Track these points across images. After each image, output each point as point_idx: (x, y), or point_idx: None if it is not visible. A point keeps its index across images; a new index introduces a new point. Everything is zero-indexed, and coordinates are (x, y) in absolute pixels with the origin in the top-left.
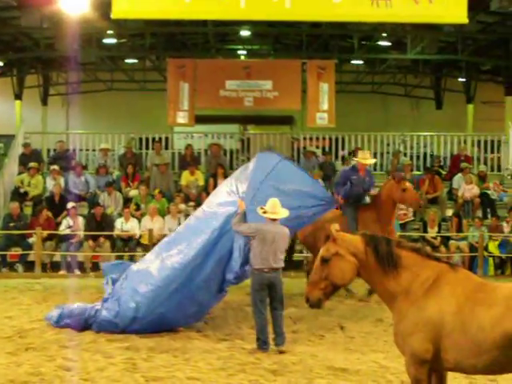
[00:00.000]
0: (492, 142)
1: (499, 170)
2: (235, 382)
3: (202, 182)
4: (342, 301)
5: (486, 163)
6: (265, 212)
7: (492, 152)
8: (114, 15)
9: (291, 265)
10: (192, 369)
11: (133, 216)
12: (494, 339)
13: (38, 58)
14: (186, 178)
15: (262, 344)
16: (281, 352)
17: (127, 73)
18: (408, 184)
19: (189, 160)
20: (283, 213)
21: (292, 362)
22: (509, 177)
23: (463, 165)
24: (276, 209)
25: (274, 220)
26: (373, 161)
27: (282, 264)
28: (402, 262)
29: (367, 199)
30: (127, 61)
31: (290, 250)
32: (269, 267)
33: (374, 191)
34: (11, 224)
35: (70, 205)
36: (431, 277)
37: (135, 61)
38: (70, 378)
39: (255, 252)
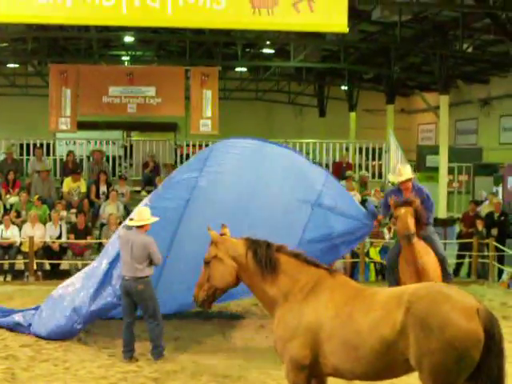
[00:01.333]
0: (373, 149)
1: (380, 176)
2: None
3: (84, 189)
4: (225, 307)
5: (367, 170)
6: (131, 219)
7: (373, 159)
8: None
9: None
10: (72, 378)
11: (13, 223)
12: (371, 344)
13: None
14: (67, 184)
15: (124, 348)
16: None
17: (8, 77)
18: (401, 211)
19: (71, 166)
20: (150, 220)
21: (174, 369)
22: (389, 184)
23: (348, 173)
24: (142, 216)
25: (140, 228)
26: (408, 176)
27: (140, 274)
28: (282, 266)
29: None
30: (9, 65)
31: None
32: (125, 276)
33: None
34: None
35: None
36: (310, 282)
37: (17, 65)
38: None
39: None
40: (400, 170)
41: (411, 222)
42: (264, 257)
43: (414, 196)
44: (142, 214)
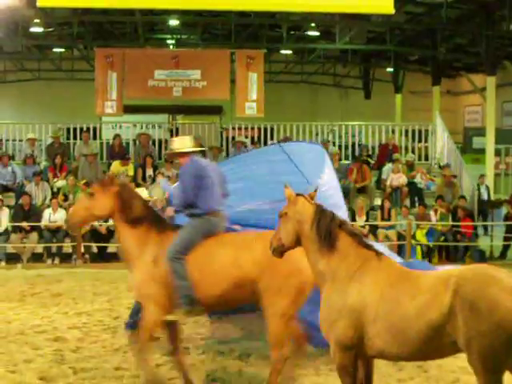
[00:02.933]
0: (419, 131)
1: (427, 159)
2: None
3: (131, 173)
4: None
5: (413, 152)
6: None
7: (419, 141)
8: (40, 4)
9: None
10: (120, 359)
11: (61, 207)
12: (418, 327)
13: None
14: (116, 167)
15: None
16: None
17: (55, 62)
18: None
19: (117, 150)
20: None
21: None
22: (436, 166)
23: (395, 156)
24: None
25: None
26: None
27: None
28: (338, 243)
29: None
30: (55, 50)
31: None
32: None
33: None
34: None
35: None
36: (356, 263)
37: (63, 50)
38: None
39: None
40: None
41: None
42: (324, 229)
43: None
44: None
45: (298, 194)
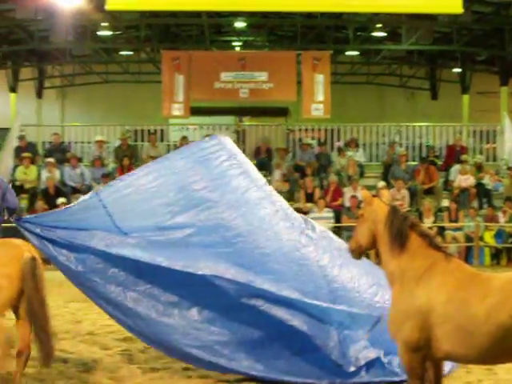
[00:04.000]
0: (487, 132)
1: (495, 160)
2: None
3: None
4: None
5: (481, 153)
6: None
7: (487, 142)
8: (108, 7)
9: None
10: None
11: None
12: (487, 330)
13: (32, 50)
14: None
15: None
16: None
17: (122, 65)
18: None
19: None
20: None
21: None
22: (504, 167)
23: (463, 157)
24: None
25: None
26: None
27: None
28: (408, 243)
29: None
30: (122, 53)
31: None
32: None
33: None
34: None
35: (59, 201)
36: (424, 265)
37: (130, 53)
38: (66, 370)
39: None
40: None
41: None
42: (396, 229)
43: None
44: None
45: (374, 196)
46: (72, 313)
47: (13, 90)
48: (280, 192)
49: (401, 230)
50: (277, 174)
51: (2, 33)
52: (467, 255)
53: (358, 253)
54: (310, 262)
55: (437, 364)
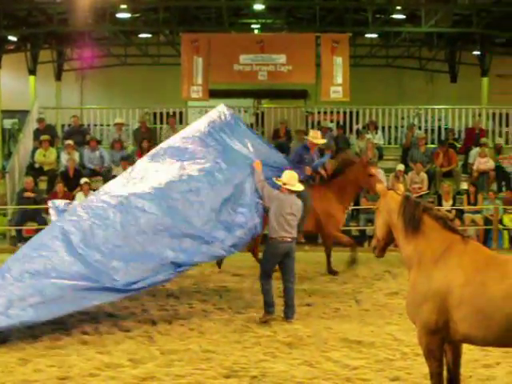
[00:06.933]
0: (507, 114)
1: None
2: (251, 355)
3: None
4: (356, 274)
5: (500, 136)
6: (285, 184)
7: (507, 125)
8: None
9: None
10: (207, 341)
11: None
12: (506, 312)
13: (51, 33)
14: None
15: (268, 307)
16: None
17: (141, 47)
18: (374, 170)
19: None
20: (299, 186)
21: (307, 334)
22: None
23: (482, 140)
24: (294, 181)
25: (292, 192)
26: (323, 141)
27: (295, 235)
28: (423, 227)
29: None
30: (141, 35)
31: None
32: (285, 237)
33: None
34: (26, 198)
35: (83, 180)
36: (441, 247)
37: (149, 35)
38: (86, 351)
39: (272, 221)
40: (316, 134)
41: None
42: (409, 214)
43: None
44: (294, 178)
45: (389, 189)
46: None
47: (32, 72)
48: None
49: (413, 214)
50: None
51: (22, 15)
52: (486, 238)
53: (380, 249)
54: None
55: (455, 346)
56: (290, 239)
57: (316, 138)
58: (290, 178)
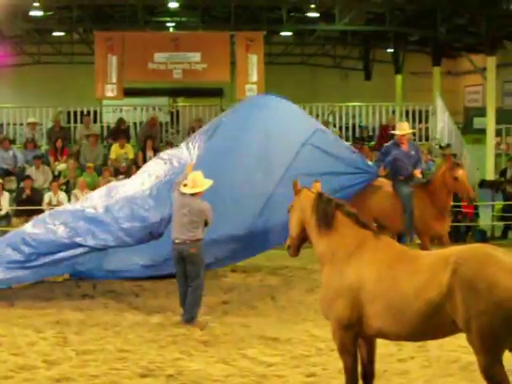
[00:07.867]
0: (420, 111)
1: (427, 139)
2: (167, 354)
3: (131, 155)
4: (273, 272)
5: (414, 133)
6: (185, 185)
7: (420, 122)
8: None
9: None
10: (123, 341)
11: (61, 190)
12: (417, 307)
13: None
14: (115, 151)
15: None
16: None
17: (54, 46)
18: (461, 172)
19: (120, 134)
20: (204, 185)
21: (223, 332)
22: (436, 146)
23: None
24: (197, 183)
25: (193, 194)
26: (410, 131)
27: (194, 237)
28: (335, 224)
29: (419, 178)
30: (54, 34)
31: None
32: (177, 238)
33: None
34: None
35: None
36: (354, 243)
37: (62, 34)
38: (0, 354)
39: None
40: (401, 125)
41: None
42: (321, 211)
43: (409, 148)
44: (197, 180)
45: (304, 188)
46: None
47: None
48: None
49: (326, 210)
50: None
51: None
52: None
53: (294, 248)
54: None
55: (369, 341)
56: (181, 240)
57: (402, 129)
58: (192, 181)
